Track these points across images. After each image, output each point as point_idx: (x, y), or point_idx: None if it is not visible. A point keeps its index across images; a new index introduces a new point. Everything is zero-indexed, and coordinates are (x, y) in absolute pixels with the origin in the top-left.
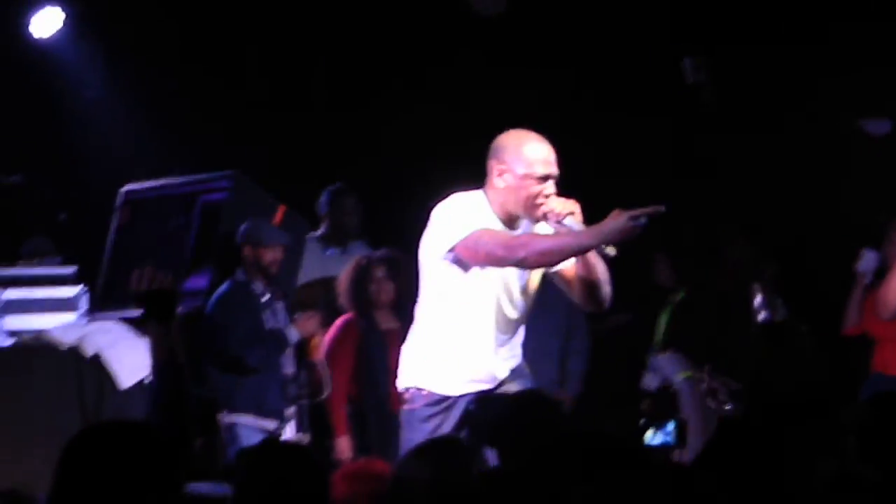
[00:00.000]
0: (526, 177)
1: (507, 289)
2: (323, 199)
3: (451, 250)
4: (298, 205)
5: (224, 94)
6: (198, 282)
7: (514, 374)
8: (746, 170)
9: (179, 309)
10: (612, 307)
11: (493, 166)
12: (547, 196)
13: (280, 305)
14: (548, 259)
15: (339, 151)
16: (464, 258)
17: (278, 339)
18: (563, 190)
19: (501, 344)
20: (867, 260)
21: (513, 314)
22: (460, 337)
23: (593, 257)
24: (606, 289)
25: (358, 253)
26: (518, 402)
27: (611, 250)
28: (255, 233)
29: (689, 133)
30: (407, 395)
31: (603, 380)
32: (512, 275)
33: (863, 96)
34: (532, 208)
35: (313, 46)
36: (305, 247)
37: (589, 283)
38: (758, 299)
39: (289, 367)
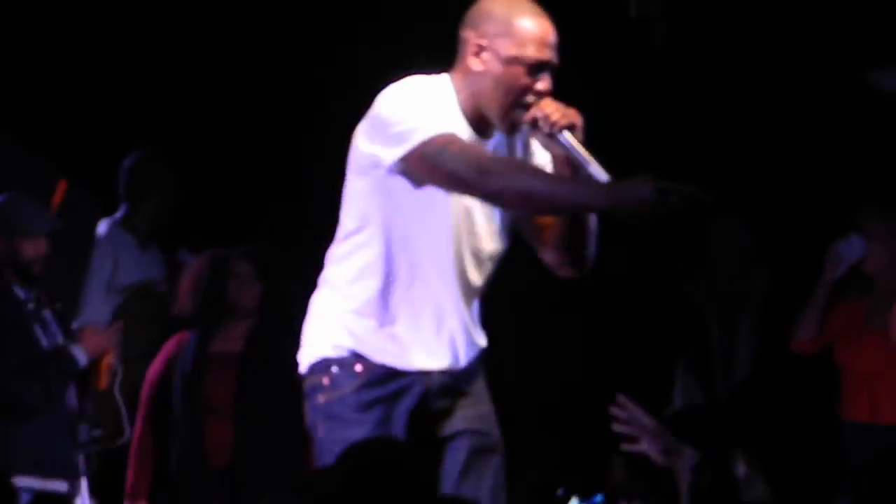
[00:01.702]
0: (514, 60)
1: (471, 229)
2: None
3: (401, 159)
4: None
5: None
6: None
7: (476, 374)
8: (709, 133)
9: None
10: None
11: (470, 40)
12: (539, 94)
13: (49, 315)
14: (529, 204)
15: (141, 108)
16: (417, 172)
17: (62, 363)
18: None
19: (462, 308)
20: (852, 245)
21: (474, 273)
22: (405, 284)
23: None
24: (593, 245)
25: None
26: None
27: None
28: (11, 218)
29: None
30: (323, 381)
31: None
32: (482, 212)
33: (873, 39)
34: (514, 110)
35: None
36: (107, 236)
37: (573, 237)
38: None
39: (72, 399)
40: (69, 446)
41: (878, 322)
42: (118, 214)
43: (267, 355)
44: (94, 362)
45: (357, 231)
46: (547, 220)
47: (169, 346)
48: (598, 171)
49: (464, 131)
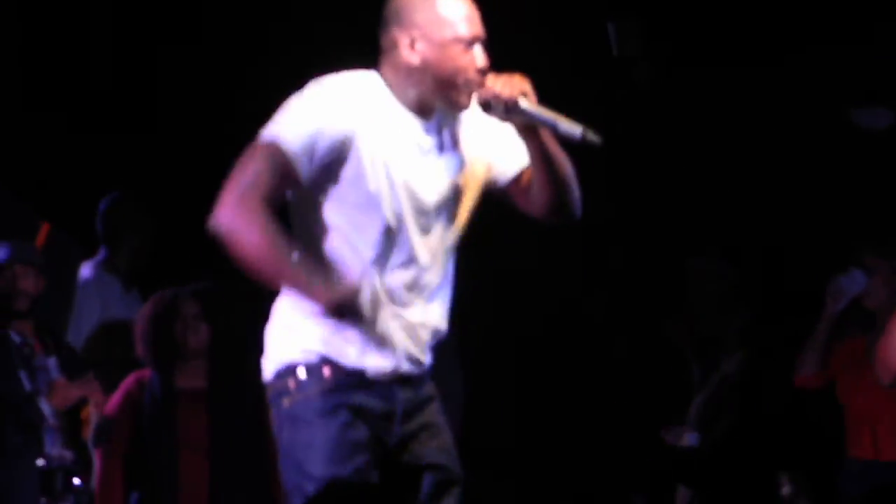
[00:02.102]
0: (452, 42)
1: (419, 211)
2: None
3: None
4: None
5: None
6: None
7: (430, 386)
8: (694, 169)
9: None
10: None
11: (398, 37)
12: (481, 71)
13: (49, 362)
14: (239, 257)
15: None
16: None
17: (28, 413)
18: None
19: (424, 288)
20: (853, 279)
21: (434, 235)
22: (364, 282)
23: (555, 148)
24: (576, 191)
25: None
26: None
27: (593, 136)
28: (12, 247)
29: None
30: (289, 385)
31: None
32: (424, 171)
33: (854, 78)
34: (462, 89)
35: None
36: (92, 279)
37: (555, 184)
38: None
39: (53, 446)
40: (36, 495)
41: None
42: (99, 257)
43: (232, 388)
44: (74, 412)
45: (305, 236)
46: (527, 178)
47: (127, 383)
48: (569, 127)
49: (399, 114)
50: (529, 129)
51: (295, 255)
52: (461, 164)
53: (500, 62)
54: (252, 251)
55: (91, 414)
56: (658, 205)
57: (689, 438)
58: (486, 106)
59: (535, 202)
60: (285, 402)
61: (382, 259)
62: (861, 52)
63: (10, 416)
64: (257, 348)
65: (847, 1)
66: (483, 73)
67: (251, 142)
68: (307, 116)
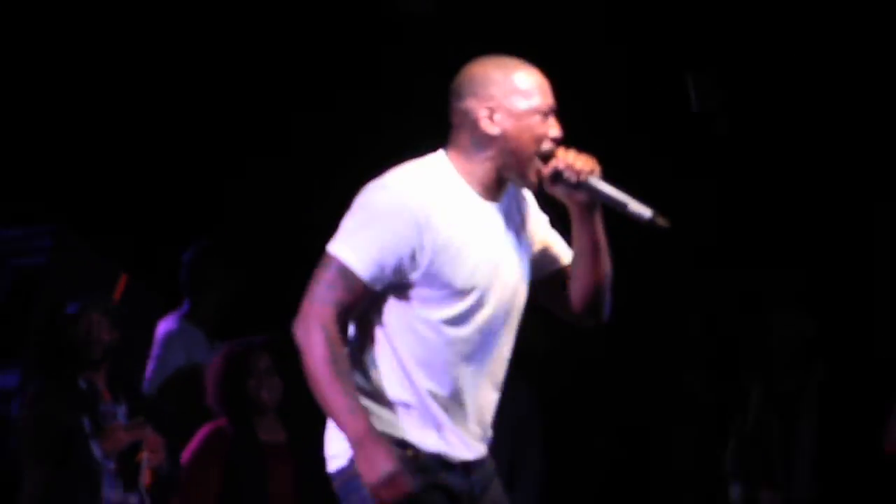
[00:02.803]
0: (529, 112)
1: (504, 296)
2: (185, 261)
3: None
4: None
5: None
6: (3, 379)
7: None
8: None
9: None
10: None
11: (475, 108)
12: (555, 140)
13: (120, 410)
14: (307, 373)
15: (203, 198)
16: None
17: (81, 456)
18: None
19: (494, 373)
20: None
21: (502, 337)
22: (438, 369)
23: (604, 240)
24: (610, 292)
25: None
26: None
27: (662, 220)
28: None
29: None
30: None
31: None
32: (499, 255)
33: None
34: (536, 162)
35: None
36: (177, 331)
37: (595, 280)
38: None
39: (111, 490)
40: None
41: None
42: (183, 309)
43: (314, 439)
44: (129, 457)
45: (374, 330)
46: (568, 272)
47: (207, 435)
48: (639, 208)
49: (470, 199)
50: (589, 210)
51: (354, 400)
52: (529, 249)
53: (574, 122)
54: (312, 375)
55: (143, 458)
56: (736, 257)
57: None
58: (557, 177)
59: (570, 299)
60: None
61: (460, 350)
62: None
63: (67, 459)
64: None
65: None
66: (557, 142)
67: (327, 238)
68: (373, 237)
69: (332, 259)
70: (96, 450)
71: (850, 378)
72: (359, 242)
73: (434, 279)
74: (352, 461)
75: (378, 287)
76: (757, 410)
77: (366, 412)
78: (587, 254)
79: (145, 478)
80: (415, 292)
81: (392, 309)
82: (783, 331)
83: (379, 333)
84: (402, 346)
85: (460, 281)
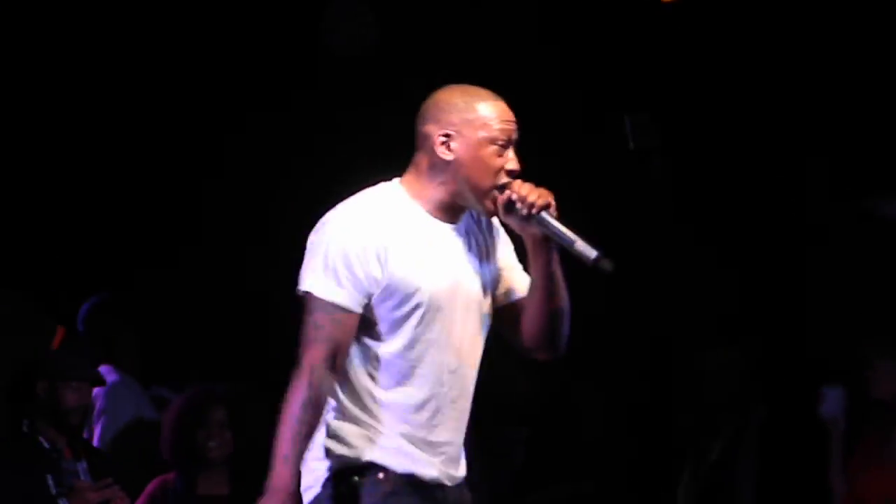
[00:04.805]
0: (486, 141)
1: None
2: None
3: (302, 294)
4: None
5: None
6: None
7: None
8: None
9: None
10: None
11: (433, 132)
12: (511, 173)
13: (80, 467)
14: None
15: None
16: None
17: None
18: None
19: (451, 406)
20: (830, 401)
21: (467, 358)
22: (408, 391)
23: (560, 273)
24: (567, 325)
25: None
26: None
27: (606, 264)
28: (57, 362)
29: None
30: (339, 490)
31: None
32: (457, 276)
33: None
34: (490, 192)
35: None
36: (122, 381)
37: (550, 313)
38: None
39: None
40: None
41: (887, 453)
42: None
43: (255, 496)
44: None
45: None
46: (526, 303)
47: (152, 488)
48: (585, 248)
49: (422, 219)
50: (542, 244)
51: (297, 451)
52: (492, 271)
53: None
54: (281, 414)
55: None
56: (668, 298)
57: None
58: (509, 207)
59: (524, 332)
60: None
61: (427, 370)
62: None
63: None
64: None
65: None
66: (512, 175)
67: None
68: (337, 264)
69: (310, 298)
70: None
71: (792, 419)
72: (327, 274)
73: (394, 292)
74: (324, 486)
75: (359, 309)
76: (697, 456)
77: (298, 469)
78: (541, 286)
79: None
80: (377, 313)
81: (357, 335)
82: (714, 370)
83: (346, 361)
84: (369, 370)
85: (419, 295)
